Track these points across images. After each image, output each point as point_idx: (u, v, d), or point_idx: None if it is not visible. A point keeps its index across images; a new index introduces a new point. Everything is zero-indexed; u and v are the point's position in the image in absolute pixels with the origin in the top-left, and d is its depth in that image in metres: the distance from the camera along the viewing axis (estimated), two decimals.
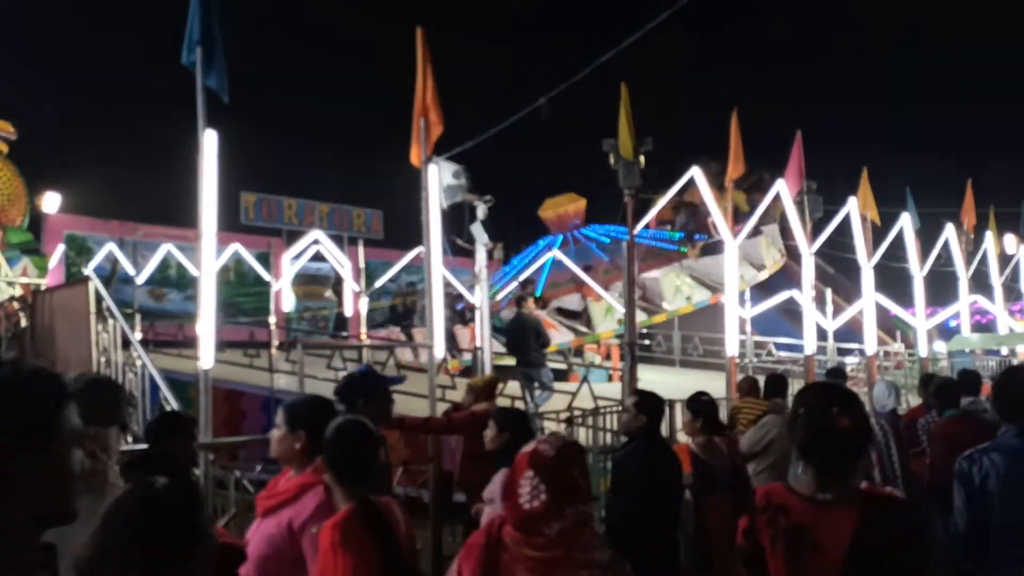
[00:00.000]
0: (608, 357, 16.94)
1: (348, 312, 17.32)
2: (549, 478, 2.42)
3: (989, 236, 17.95)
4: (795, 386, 9.35)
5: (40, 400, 1.37)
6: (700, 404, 5.34)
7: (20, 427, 1.33)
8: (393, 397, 3.90)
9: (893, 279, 16.40)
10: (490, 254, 9.91)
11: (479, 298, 10.00)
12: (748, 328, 17.86)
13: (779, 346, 18.95)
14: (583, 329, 15.29)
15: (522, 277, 16.12)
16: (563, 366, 14.23)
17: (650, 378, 14.14)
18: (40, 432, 1.35)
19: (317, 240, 16.74)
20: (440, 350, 8.71)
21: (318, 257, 17.51)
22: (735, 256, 11.72)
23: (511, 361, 11.22)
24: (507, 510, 2.47)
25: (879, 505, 2.36)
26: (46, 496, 1.33)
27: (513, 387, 10.18)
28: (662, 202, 13.18)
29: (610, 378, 14.38)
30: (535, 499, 2.41)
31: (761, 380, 7.80)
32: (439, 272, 8.62)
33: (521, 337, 10.81)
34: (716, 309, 14.84)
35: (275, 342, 14.24)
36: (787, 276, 19.58)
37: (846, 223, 14.24)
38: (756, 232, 15.80)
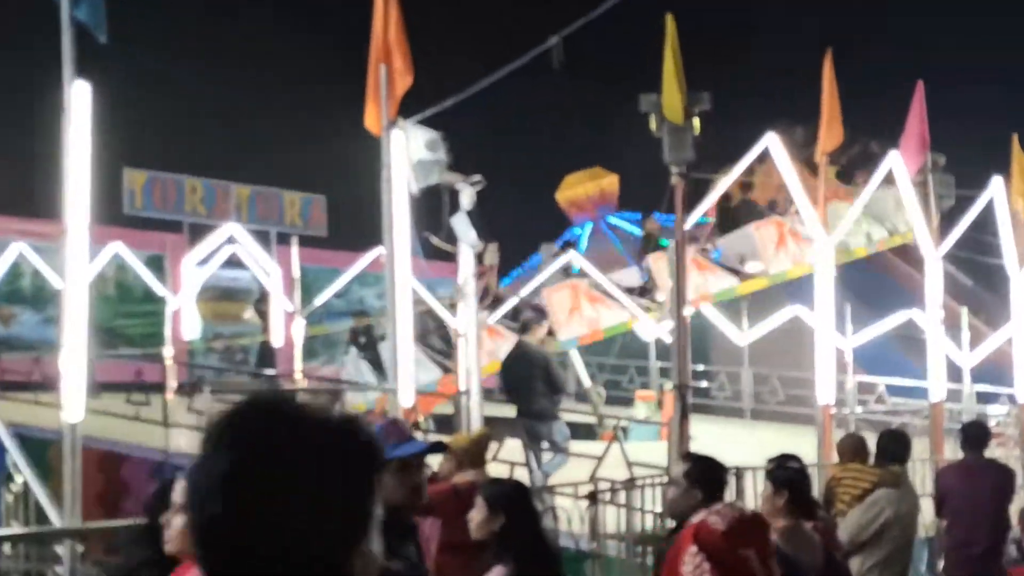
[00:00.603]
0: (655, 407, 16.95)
1: (277, 341, 17.30)
2: (716, 557, 2.69)
3: None
4: (919, 446, 9.35)
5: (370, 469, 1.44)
6: (785, 474, 5.36)
7: (363, 510, 1.41)
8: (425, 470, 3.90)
9: None
10: (479, 258, 9.95)
11: (464, 321, 10.02)
12: (849, 363, 17.83)
13: (893, 389, 18.93)
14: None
15: (525, 290, 16.13)
16: (591, 419, 14.26)
17: (710, 435, 14.09)
18: (370, 513, 1.42)
19: (233, 237, 16.74)
20: (409, 395, 8.72)
21: (235, 262, 17.52)
22: (831, 260, 11.75)
23: (510, 411, 11.22)
24: None
25: None
26: None
27: (512, 448, 10.18)
28: (725, 183, 13.21)
29: (660, 436, 14.42)
30: None
31: (870, 439, 7.83)
32: (407, 284, 8.64)
33: (524, 377, 10.82)
34: (801, 336, 14.81)
35: (172, 383, 14.22)
36: (902, 287, 19.60)
37: (989, 214, 14.25)
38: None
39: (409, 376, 8.86)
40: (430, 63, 9.02)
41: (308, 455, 1.35)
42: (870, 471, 7.42)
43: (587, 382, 16.15)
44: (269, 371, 18.06)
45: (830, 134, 12.74)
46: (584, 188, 20.66)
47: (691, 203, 10.57)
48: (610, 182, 21.07)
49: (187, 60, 22.18)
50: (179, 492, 3.13)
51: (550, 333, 15.03)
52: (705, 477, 4.60)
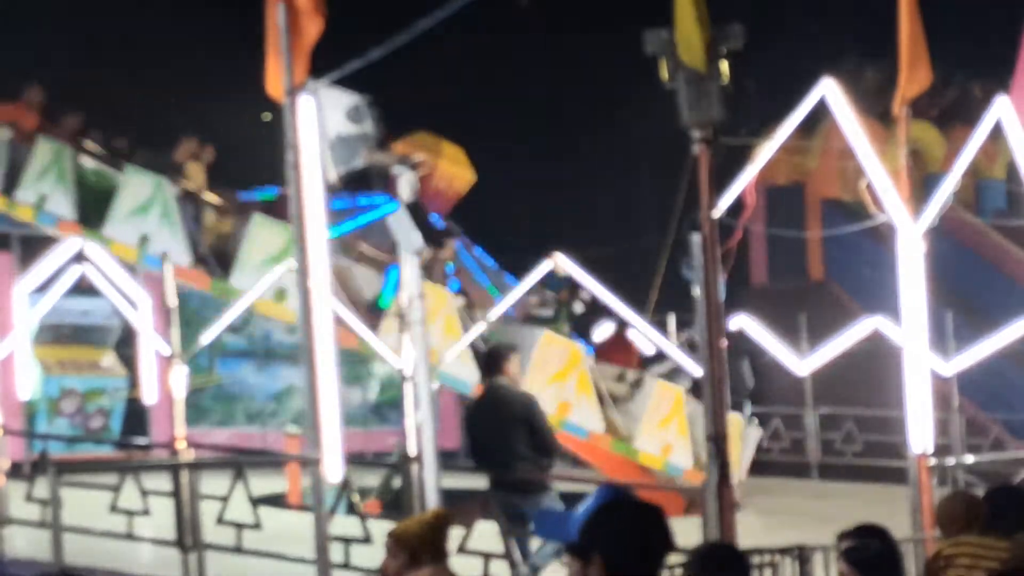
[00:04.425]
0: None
1: (150, 397, 17.17)
2: None
3: None
4: None
5: None
6: (863, 553, 5.40)
7: None
8: None
9: None
10: (427, 269, 9.94)
11: (411, 359, 10.03)
12: (954, 396, 17.90)
13: (1014, 427, 18.99)
14: None
15: (498, 308, 16.12)
16: (584, 486, 14.22)
17: (764, 502, 14.05)
18: None
19: (82, 253, 16.64)
20: (337, 467, 8.72)
21: (86, 288, 17.43)
22: (920, 252, 11.79)
23: (480, 479, 11.25)
24: None
25: None
26: None
27: (485, 534, 10.18)
28: (767, 152, 13.29)
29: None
30: None
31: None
32: (327, 308, 8.64)
33: (498, 434, 10.86)
34: (884, 360, 14.87)
35: (3, 462, 14.14)
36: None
37: None
38: None
39: (337, 438, 8.85)
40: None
41: None
42: (996, 544, 7.35)
43: None
44: (140, 440, 17.96)
45: (913, 75, 12.79)
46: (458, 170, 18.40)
47: (721, 178, 10.58)
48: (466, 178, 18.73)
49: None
50: None
51: None
52: (711, 571, 4.69)
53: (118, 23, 23.57)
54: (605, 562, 4.14)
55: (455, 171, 17.80)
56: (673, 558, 8.96)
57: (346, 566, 9.86)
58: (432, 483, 9.57)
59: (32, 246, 18.22)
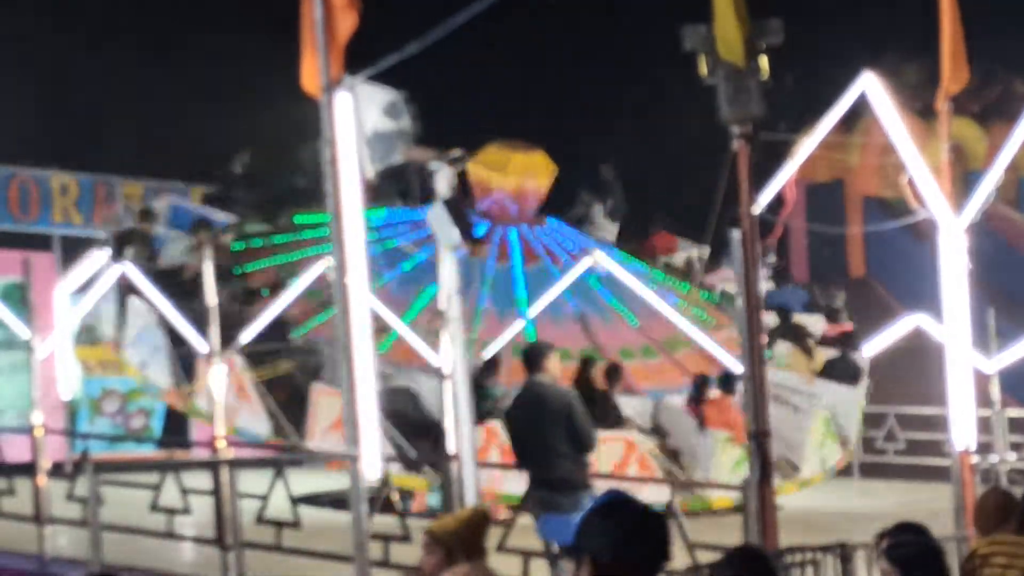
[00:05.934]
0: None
1: None
2: None
3: None
4: None
5: None
6: (904, 551, 5.35)
7: None
8: None
9: None
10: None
11: (450, 358, 9.98)
12: (995, 392, 17.76)
13: None
14: None
15: (538, 306, 16.10)
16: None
17: (805, 501, 13.97)
18: None
19: None
20: (376, 465, 8.70)
21: (125, 288, 17.52)
22: (962, 248, 11.71)
23: (519, 479, 11.23)
24: None
25: None
26: None
27: (524, 531, 10.16)
28: (806, 148, 13.23)
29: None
30: None
31: None
32: (364, 306, 8.63)
33: (538, 431, 10.82)
34: (926, 358, 14.81)
35: (45, 462, 14.21)
36: None
37: None
38: None
39: (375, 438, 8.83)
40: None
41: None
42: None
43: None
44: (181, 439, 18.04)
45: (955, 69, 12.70)
46: (502, 175, 17.91)
47: (761, 174, 10.54)
48: (541, 179, 18.25)
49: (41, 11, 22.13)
50: None
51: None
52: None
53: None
54: (594, 563, 4.15)
55: (531, 182, 17.80)
56: (708, 557, 9.02)
57: (385, 564, 9.86)
58: (471, 481, 9.53)
59: (72, 246, 18.35)
